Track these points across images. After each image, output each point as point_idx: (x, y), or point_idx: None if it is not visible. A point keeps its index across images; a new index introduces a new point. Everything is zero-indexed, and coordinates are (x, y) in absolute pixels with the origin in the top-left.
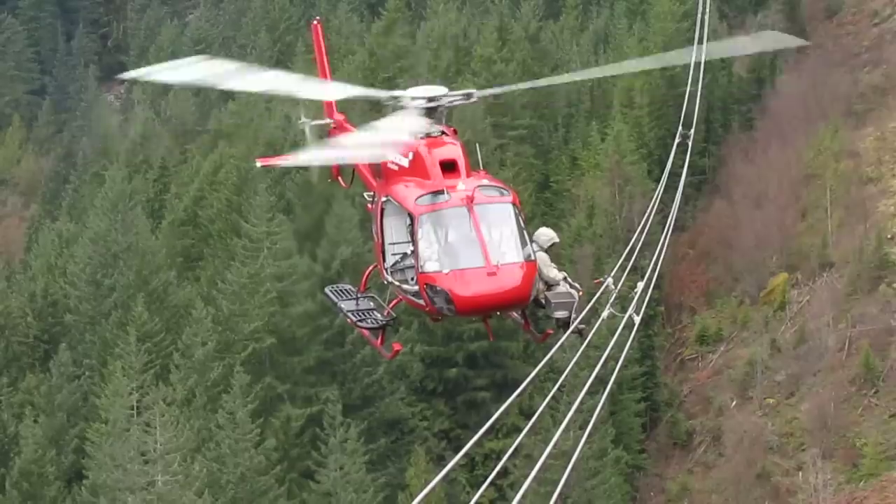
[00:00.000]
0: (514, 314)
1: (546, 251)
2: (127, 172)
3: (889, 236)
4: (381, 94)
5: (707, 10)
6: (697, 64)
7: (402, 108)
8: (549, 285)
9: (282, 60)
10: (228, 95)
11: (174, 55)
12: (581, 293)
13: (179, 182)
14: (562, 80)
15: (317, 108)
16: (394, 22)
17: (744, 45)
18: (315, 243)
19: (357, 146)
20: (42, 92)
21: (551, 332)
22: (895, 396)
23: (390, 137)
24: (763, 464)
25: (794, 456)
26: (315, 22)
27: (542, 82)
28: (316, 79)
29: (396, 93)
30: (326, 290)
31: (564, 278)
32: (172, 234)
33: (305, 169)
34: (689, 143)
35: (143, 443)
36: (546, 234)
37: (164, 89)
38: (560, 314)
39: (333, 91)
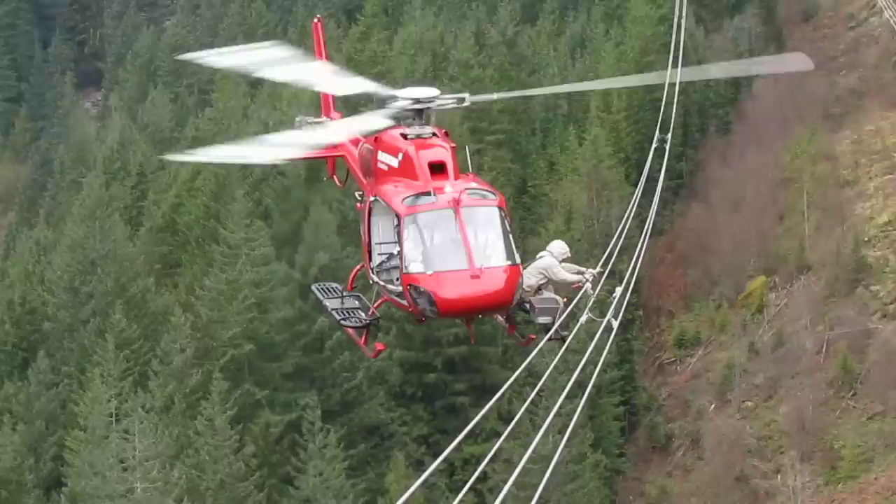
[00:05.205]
0: (500, 317)
1: (559, 262)
2: (104, 179)
3: (866, 239)
4: (383, 91)
5: (684, 14)
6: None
7: (391, 106)
8: (539, 290)
9: None
10: (206, 102)
11: (151, 62)
12: (565, 299)
13: (157, 189)
14: (553, 90)
15: (316, 106)
16: (371, 27)
17: (771, 64)
18: (293, 249)
19: (274, 144)
20: (18, 99)
21: (534, 337)
22: (873, 399)
23: (329, 135)
24: (742, 467)
25: (772, 458)
26: (316, 21)
27: (534, 91)
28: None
29: (394, 91)
30: (313, 287)
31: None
32: (150, 241)
33: (281, 173)
34: (667, 148)
35: (121, 450)
36: (561, 247)
37: (141, 96)
38: (543, 320)
39: (349, 85)
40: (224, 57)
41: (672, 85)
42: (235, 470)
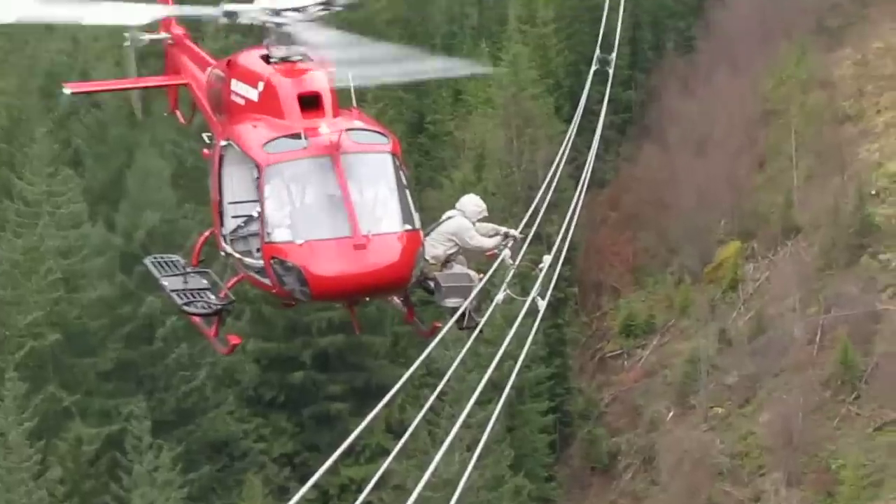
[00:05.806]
0: (395, 300)
1: (473, 224)
2: None
3: (872, 192)
4: (210, 11)
5: None
6: None
7: (263, 28)
8: (447, 262)
9: None
10: None
11: None
12: (480, 274)
13: None
14: None
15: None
16: None
17: None
18: (112, 207)
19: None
20: None
21: (440, 324)
22: (881, 403)
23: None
24: (710, 493)
25: (750, 482)
26: None
27: None
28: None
29: (233, 7)
30: (146, 261)
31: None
32: None
33: (96, 105)
34: (610, 71)
35: None
36: (476, 205)
37: None
38: (453, 302)
39: (137, 13)
40: None
41: None
42: (36, 500)
